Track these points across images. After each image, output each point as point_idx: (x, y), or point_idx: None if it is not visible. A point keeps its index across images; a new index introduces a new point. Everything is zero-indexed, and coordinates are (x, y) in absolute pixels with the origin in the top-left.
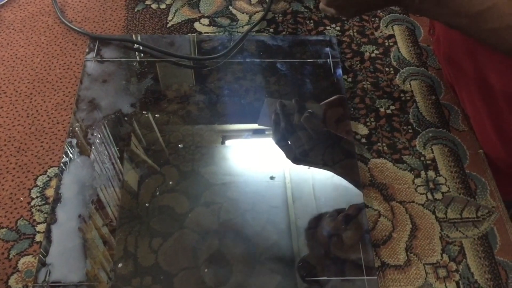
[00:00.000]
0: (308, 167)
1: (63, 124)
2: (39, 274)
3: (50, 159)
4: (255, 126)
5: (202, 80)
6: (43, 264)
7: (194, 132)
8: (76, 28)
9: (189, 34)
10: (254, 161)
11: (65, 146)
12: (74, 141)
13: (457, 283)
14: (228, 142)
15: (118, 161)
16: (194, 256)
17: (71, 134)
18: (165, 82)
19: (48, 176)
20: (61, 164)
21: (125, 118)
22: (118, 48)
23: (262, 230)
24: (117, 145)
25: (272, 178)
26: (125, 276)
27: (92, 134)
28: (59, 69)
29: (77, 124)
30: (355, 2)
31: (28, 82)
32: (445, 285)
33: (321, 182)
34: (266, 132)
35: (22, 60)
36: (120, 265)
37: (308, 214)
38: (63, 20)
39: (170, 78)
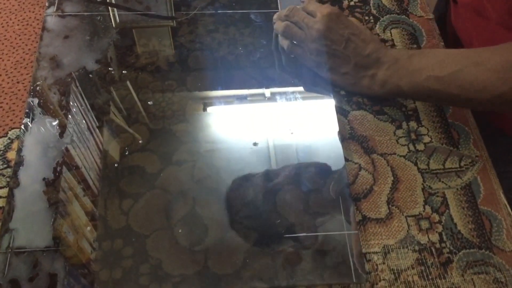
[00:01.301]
0: (291, 132)
1: (23, 83)
2: (2, 240)
3: (11, 120)
4: (234, 92)
5: (172, 34)
6: (6, 230)
7: (164, 89)
8: None
9: None
10: (237, 127)
11: (26, 106)
12: (36, 100)
13: (440, 234)
14: (206, 104)
15: (83, 120)
16: (167, 216)
17: (32, 93)
18: (132, 37)
19: (9, 138)
20: (23, 125)
21: (90, 75)
22: (80, 2)
23: (239, 187)
24: (83, 103)
25: (255, 144)
26: (94, 240)
27: (55, 93)
28: (18, 25)
29: (39, 82)
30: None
31: None
32: (428, 236)
33: (304, 146)
34: (248, 98)
35: None
36: (88, 228)
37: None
38: None
39: (137, 32)
